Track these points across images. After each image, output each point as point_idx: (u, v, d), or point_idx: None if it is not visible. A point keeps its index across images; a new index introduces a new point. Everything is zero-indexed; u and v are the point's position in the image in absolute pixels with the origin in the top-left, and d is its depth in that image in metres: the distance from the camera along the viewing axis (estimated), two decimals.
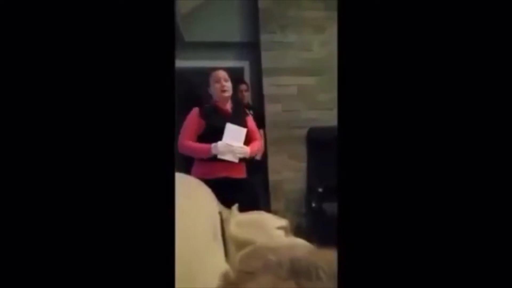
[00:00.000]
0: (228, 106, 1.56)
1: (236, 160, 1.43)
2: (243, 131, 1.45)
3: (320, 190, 2.21)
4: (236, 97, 2.00)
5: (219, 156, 1.40)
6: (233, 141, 1.42)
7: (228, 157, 1.41)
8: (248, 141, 1.51)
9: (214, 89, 1.52)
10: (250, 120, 1.62)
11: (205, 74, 1.63)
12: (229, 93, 1.52)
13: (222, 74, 1.53)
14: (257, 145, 1.58)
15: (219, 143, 1.39)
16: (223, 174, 1.43)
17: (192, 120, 1.49)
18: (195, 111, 1.52)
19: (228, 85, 1.52)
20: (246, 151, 1.46)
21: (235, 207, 0.97)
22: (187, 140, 1.47)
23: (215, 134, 1.42)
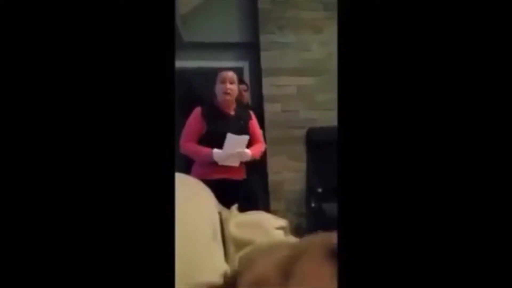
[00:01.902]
0: (232, 108, 1.53)
1: (237, 165, 1.42)
2: (244, 140, 1.42)
3: (319, 190, 2.21)
4: (237, 98, 1.99)
5: (221, 163, 1.39)
6: (235, 149, 1.39)
7: (228, 163, 1.40)
8: (250, 143, 1.50)
9: (218, 89, 1.49)
10: (253, 123, 1.59)
11: (204, 74, 1.61)
12: (231, 96, 1.48)
13: (229, 75, 1.48)
14: (260, 147, 1.56)
15: (221, 152, 1.37)
16: (223, 176, 1.43)
17: (194, 121, 1.48)
18: (197, 111, 1.50)
19: (233, 87, 1.48)
20: (248, 156, 1.45)
21: (234, 207, 0.96)
22: (189, 141, 1.45)
23: (217, 135, 1.41)
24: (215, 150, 1.38)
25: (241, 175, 1.53)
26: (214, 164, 1.42)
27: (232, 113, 1.52)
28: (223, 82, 1.47)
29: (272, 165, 2.41)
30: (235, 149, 1.40)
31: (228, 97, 1.48)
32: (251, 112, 1.63)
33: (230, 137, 1.39)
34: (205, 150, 1.42)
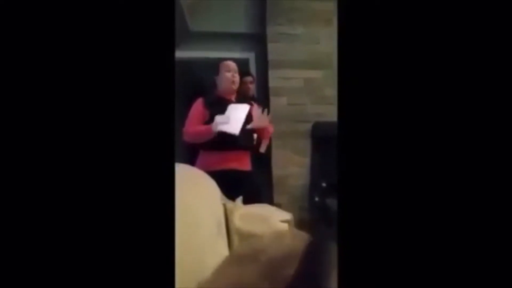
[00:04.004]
0: (233, 97, 1.55)
1: (237, 132, 1.38)
2: (245, 107, 1.44)
3: (323, 185, 2.20)
4: (241, 89, 1.98)
5: (218, 129, 1.36)
6: (235, 115, 1.39)
7: (228, 129, 1.37)
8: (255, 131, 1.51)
9: (223, 78, 1.51)
10: (255, 110, 1.60)
11: (210, 64, 1.61)
12: (237, 85, 1.52)
13: (233, 65, 1.53)
14: (268, 130, 1.54)
15: (218, 116, 1.37)
16: (228, 165, 1.43)
17: (197, 110, 1.49)
18: (200, 101, 1.52)
19: (238, 77, 1.53)
20: (264, 119, 1.42)
21: (239, 199, 0.96)
22: (192, 128, 1.46)
23: None
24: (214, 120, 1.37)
25: (247, 165, 1.52)
26: (218, 152, 1.41)
27: (234, 101, 1.55)
28: (229, 71, 1.50)
29: (277, 159, 2.40)
30: (235, 115, 1.40)
31: (234, 86, 1.51)
32: (252, 102, 1.65)
33: (232, 106, 1.42)
34: (206, 126, 1.41)
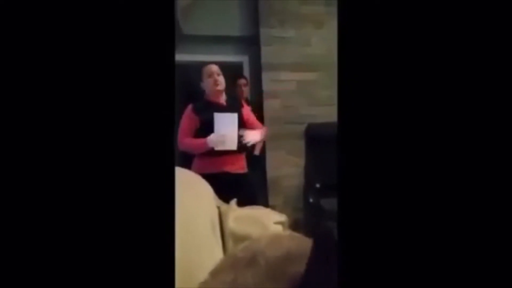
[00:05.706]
0: (222, 100, 1.55)
1: (235, 148, 1.40)
2: (233, 116, 1.43)
3: (318, 186, 2.21)
4: (234, 92, 1.99)
5: (217, 148, 1.39)
6: (227, 129, 1.39)
7: (226, 147, 1.39)
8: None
9: (207, 83, 1.52)
10: (246, 110, 1.60)
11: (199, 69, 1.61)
12: (222, 86, 1.52)
13: (215, 68, 1.53)
14: (258, 131, 1.54)
15: (212, 135, 1.37)
16: (224, 168, 1.43)
17: (187, 117, 1.49)
18: (189, 108, 1.52)
19: (221, 79, 1.52)
20: (249, 136, 1.42)
21: (233, 201, 0.97)
22: (184, 137, 1.46)
23: (210, 128, 1.42)
24: (208, 137, 1.37)
25: (242, 168, 1.53)
26: (214, 156, 1.42)
27: (223, 104, 1.54)
28: (211, 75, 1.50)
29: (271, 160, 2.41)
30: (227, 126, 1.39)
31: (219, 88, 1.51)
32: (242, 101, 1.65)
33: (218, 116, 1.40)
34: (200, 140, 1.42)
